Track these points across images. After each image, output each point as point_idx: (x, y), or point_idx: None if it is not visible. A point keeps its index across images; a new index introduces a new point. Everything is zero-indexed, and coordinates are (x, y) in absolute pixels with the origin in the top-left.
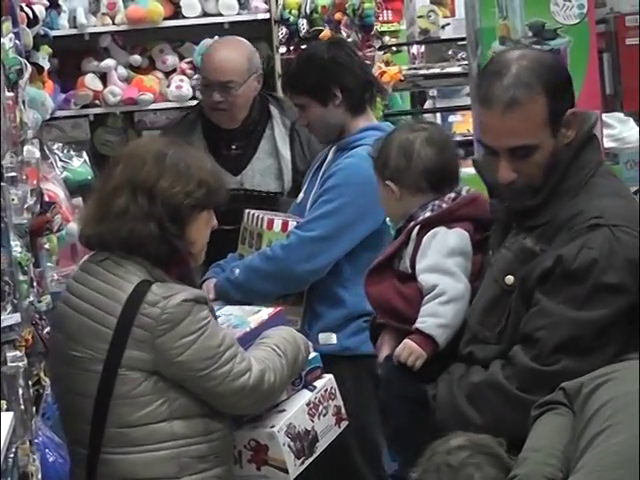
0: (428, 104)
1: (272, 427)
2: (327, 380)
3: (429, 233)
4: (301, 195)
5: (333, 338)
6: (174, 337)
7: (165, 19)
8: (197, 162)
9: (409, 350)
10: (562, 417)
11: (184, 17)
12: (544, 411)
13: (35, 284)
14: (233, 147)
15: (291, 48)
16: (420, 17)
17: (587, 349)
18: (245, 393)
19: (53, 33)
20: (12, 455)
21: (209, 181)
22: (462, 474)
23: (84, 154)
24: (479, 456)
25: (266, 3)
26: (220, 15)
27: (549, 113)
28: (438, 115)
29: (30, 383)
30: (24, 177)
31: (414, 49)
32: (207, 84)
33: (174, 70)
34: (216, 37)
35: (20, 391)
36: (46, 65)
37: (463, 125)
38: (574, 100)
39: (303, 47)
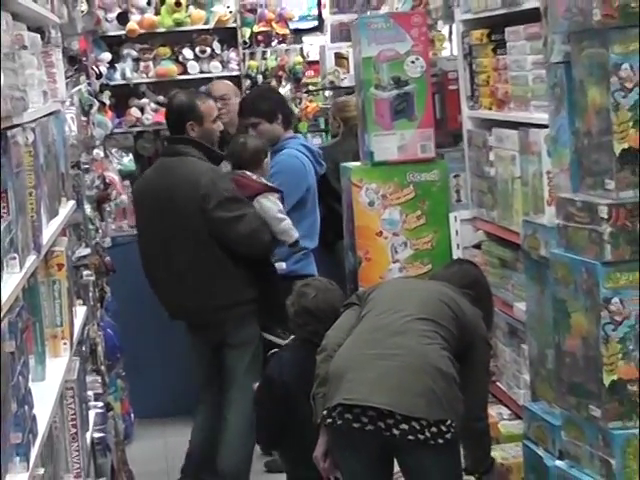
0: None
1: None
2: None
3: None
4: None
5: (283, 265)
6: None
7: (178, 74)
8: None
9: None
10: (353, 311)
11: (189, 73)
12: (345, 310)
13: (100, 231)
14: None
15: None
16: (329, 73)
17: None
18: None
19: (111, 83)
20: (86, 332)
21: None
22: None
23: (130, 155)
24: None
25: (238, 65)
26: (210, 72)
27: None
28: None
29: (97, 289)
30: (93, 168)
31: (326, 93)
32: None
33: None
34: (209, 84)
35: (90, 294)
36: (107, 102)
37: None
38: None
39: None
